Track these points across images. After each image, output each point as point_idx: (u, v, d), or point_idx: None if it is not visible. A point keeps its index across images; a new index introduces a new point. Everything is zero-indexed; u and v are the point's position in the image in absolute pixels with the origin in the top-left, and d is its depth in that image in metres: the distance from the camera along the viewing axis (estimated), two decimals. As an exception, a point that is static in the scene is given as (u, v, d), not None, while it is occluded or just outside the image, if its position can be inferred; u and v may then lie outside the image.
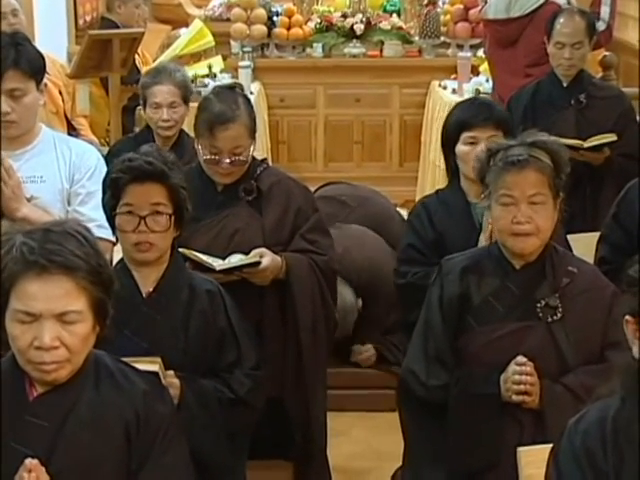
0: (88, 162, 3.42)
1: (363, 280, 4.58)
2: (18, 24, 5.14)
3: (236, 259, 3.34)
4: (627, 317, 2.12)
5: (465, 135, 3.53)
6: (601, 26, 5.63)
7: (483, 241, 3.31)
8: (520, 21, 5.62)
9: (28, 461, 2.14)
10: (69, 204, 3.38)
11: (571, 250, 3.56)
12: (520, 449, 2.60)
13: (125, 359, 2.45)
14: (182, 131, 4.35)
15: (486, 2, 7.09)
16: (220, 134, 3.38)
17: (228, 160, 3.39)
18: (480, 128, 3.52)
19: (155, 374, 2.59)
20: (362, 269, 4.60)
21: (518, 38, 5.63)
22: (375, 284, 4.58)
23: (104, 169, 3.34)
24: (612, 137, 4.48)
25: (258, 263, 3.33)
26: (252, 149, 3.47)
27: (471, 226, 3.46)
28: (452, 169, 3.61)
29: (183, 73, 4.51)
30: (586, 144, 4.43)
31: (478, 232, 3.40)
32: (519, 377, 2.82)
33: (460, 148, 3.52)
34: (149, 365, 2.62)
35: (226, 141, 3.38)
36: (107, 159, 3.62)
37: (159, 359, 2.70)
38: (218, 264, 3.29)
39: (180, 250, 3.16)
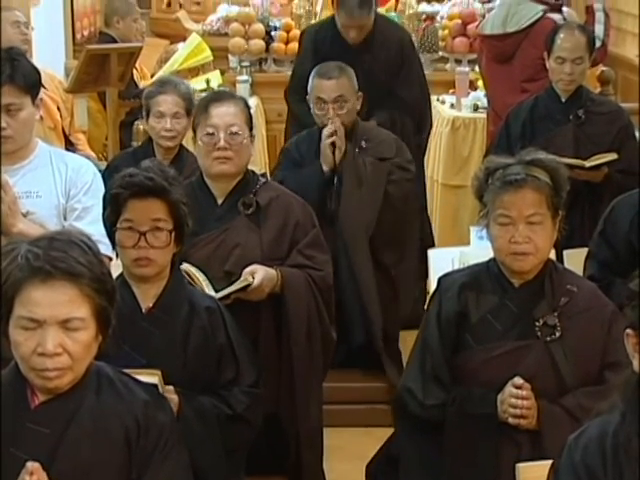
0: (84, 177, 3.42)
1: None
2: (29, 36, 5.28)
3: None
4: (628, 330, 2.12)
5: None
6: (596, 44, 5.66)
7: None
8: (516, 36, 5.64)
9: (30, 464, 2.15)
10: (65, 219, 3.39)
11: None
12: (519, 465, 2.61)
13: (125, 371, 2.46)
14: (182, 146, 4.37)
15: (484, 17, 7.16)
16: (215, 110, 3.44)
17: (223, 135, 3.40)
18: None
19: (154, 386, 2.61)
20: None
21: (514, 53, 5.65)
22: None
23: (100, 184, 3.36)
24: (613, 156, 4.50)
25: (249, 285, 3.35)
26: (249, 146, 3.49)
27: None
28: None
29: (187, 86, 4.56)
30: (587, 164, 4.44)
31: None
32: (515, 401, 2.83)
33: None
34: (149, 377, 2.63)
35: (221, 117, 3.43)
36: (106, 174, 3.64)
37: (158, 372, 2.70)
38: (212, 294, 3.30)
39: (182, 267, 3.19)
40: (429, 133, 5.74)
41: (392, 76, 5.36)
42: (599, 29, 5.72)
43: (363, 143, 4.63)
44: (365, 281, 4.52)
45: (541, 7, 5.67)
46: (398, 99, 5.36)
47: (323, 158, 4.52)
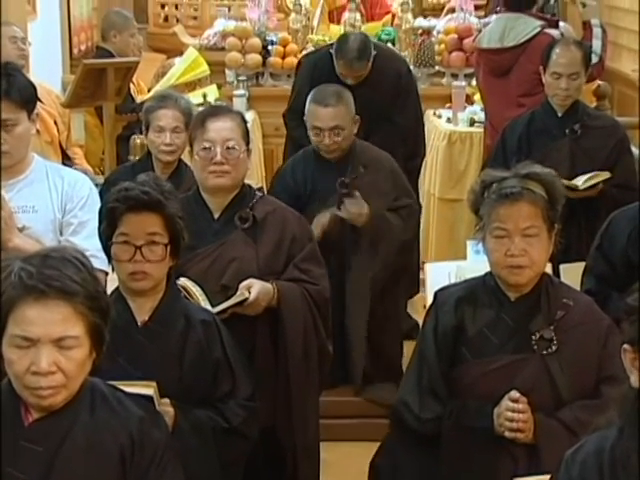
0: (80, 192, 3.42)
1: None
2: (26, 51, 5.30)
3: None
4: (625, 346, 2.11)
5: None
6: (594, 59, 5.66)
7: None
8: (514, 51, 5.66)
9: None
10: (61, 234, 3.38)
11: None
12: (516, 479, 2.61)
13: (121, 382, 2.47)
14: (181, 161, 4.37)
15: (480, 32, 7.16)
16: (212, 125, 3.44)
17: (220, 149, 3.40)
18: None
19: (150, 398, 2.61)
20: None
21: (511, 68, 5.66)
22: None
23: (97, 198, 3.36)
24: (605, 175, 4.51)
25: (245, 299, 3.34)
26: (246, 160, 3.48)
27: None
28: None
29: (187, 100, 4.57)
30: (582, 185, 4.45)
31: None
32: (511, 414, 2.82)
33: None
34: (144, 389, 2.64)
35: (218, 132, 3.43)
36: (104, 188, 3.63)
37: (154, 383, 2.70)
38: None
39: (179, 282, 3.19)
40: (422, 159, 5.78)
41: (389, 105, 5.44)
42: (596, 45, 5.71)
43: (361, 168, 4.63)
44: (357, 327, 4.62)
45: (538, 22, 5.69)
46: (393, 125, 5.44)
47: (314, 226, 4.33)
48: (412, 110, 5.60)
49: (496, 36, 5.68)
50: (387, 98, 5.42)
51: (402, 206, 4.71)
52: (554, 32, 5.63)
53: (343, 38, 5.44)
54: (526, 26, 5.64)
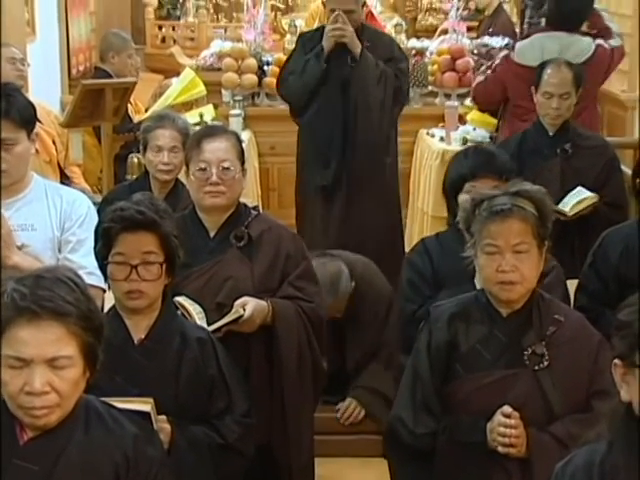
0: (79, 210, 3.43)
1: (357, 272, 4.63)
2: (25, 72, 5.33)
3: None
4: (615, 361, 2.11)
5: (468, 185, 3.56)
6: (617, 41, 5.65)
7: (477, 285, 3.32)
8: None
9: None
10: (60, 252, 3.38)
11: (569, 296, 3.59)
12: (509, 493, 2.61)
13: (118, 399, 2.47)
14: (177, 180, 4.38)
15: (472, 53, 7.16)
16: (207, 145, 3.44)
17: (215, 170, 3.40)
18: (482, 179, 3.54)
19: (147, 415, 2.61)
20: (357, 263, 4.69)
21: None
22: (363, 295, 4.60)
23: (95, 217, 3.35)
24: (593, 200, 4.50)
25: (240, 317, 3.34)
26: (241, 180, 3.49)
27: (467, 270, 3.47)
28: (453, 214, 3.63)
29: (185, 120, 4.58)
30: (570, 212, 4.45)
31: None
32: (504, 430, 2.82)
33: (463, 197, 3.52)
34: (142, 405, 2.63)
35: (213, 152, 3.43)
36: (102, 206, 3.64)
37: (151, 400, 2.70)
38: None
39: (176, 300, 3.20)
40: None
41: (386, 62, 5.58)
42: (615, 27, 5.70)
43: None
44: None
45: (590, 38, 5.60)
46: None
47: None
48: (405, 63, 5.82)
49: (553, 55, 5.47)
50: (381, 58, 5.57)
51: None
52: (609, 43, 5.60)
53: None
54: (582, 44, 5.53)
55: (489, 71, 5.82)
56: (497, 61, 5.76)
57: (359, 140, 5.52)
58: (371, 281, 4.69)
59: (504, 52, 5.78)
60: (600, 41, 5.65)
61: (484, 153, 3.74)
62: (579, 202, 4.50)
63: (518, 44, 5.64)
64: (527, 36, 5.74)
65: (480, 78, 5.93)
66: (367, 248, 5.18)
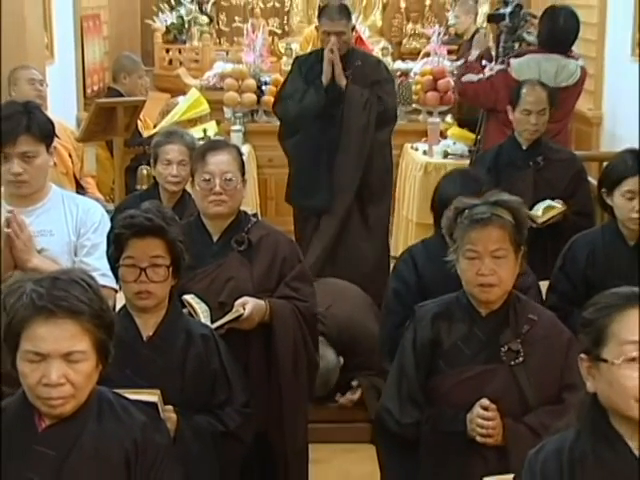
0: (93, 217, 3.42)
1: (344, 336, 4.57)
2: (43, 92, 5.29)
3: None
4: (581, 355, 2.11)
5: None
6: (583, 61, 5.69)
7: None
8: (568, 90, 5.54)
9: None
10: (76, 255, 3.37)
11: (542, 295, 3.57)
12: (486, 479, 2.59)
13: (128, 390, 2.47)
14: (185, 190, 4.36)
15: (452, 74, 7.14)
16: (211, 158, 3.42)
17: (218, 181, 3.39)
18: None
19: (154, 405, 2.60)
20: (343, 327, 4.59)
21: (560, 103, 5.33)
22: (356, 339, 4.58)
23: (107, 223, 3.35)
24: (561, 209, 4.50)
25: (240, 315, 3.32)
26: (242, 190, 3.47)
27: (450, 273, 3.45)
28: (439, 225, 3.60)
29: (192, 136, 4.56)
30: (540, 220, 4.44)
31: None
32: (482, 421, 2.81)
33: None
34: (149, 396, 2.62)
35: (217, 165, 3.41)
36: (115, 214, 3.63)
37: (158, 391, 2.68)
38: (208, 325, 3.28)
39: (184, 298, 3.21)
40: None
41: (372, 85, 5.50)
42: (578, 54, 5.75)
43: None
44: None
45: (574, 60, 5.63)
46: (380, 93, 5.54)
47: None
48: (392, 88, 5.79)
49: (549, 76, 5.43)
50: (370, 78, 5.49)
51: None
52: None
53: (325, 5, 5.64)
54: (572, 66, 5.55)
55: (482, 76, 5.74)
56: (492, 73, 5.71)
57: (343, 164, 5.44)
58: (360, 338, 4.61)
59: (499, 67, 5.72)
60: (581, 63, 5.66)
61: (468, 180, 3.69)
62: (548, 210, 4.49)
63: (514, 61, 5.59)
64: (519, 55, 5.70)
65: (472, 77, 5.77)
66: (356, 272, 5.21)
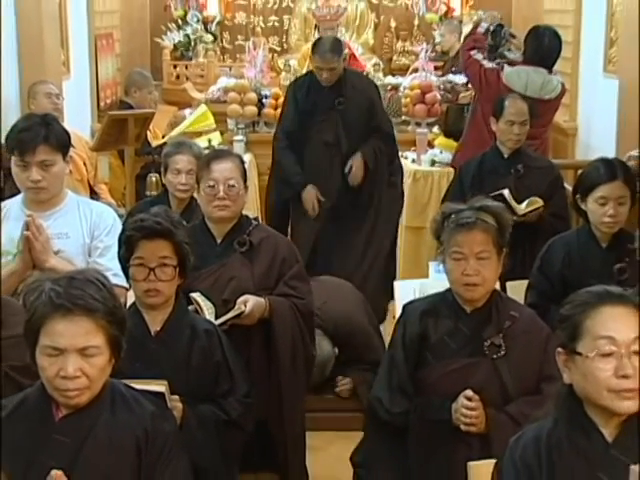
0: (106, 221, 3.43)
1: (340, 330, 4.54)
2: (60, 105, 5.30)
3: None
4: (558, 349, 2.12)
5: None
6: (560, 79, 5.68)
7: None
8: (552, 102, 5.55)
9: (53, 472, 2.13)
10: (90, 256, 3.38)
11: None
12: (470, 464, 2.59)
13: (137, 381, 2.48)
14: (193, 198, 4.35)
15: (439, 88, 7.14)
16: (216, 166, 3.42)
17: (222, 187, 3.38)
18: None
19: (161, 395, 2.60)
20: (339, 321, 4.55)
21: (541, 115, 5.34)
22: (351, 333, 4.55)
23: (119, 226, 3.35)
24: (539, 203, 4.50)
25: (242, 312, 3.32)
26: (244, 195, 3.46)
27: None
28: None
29: (199, 147, 4.55)
30: (520, 211, 4.43)
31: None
32: (466, 411, 2.81)
33: None
34: (157, 386, 2.63)
35: (221, 172, 3.40)
36: (127, 218, 3.62)
37: (166, 382, 2.69)
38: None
39: (191, 295, 3.21)
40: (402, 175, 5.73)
41: (365, 111, 5.35)
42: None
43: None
44: None
45: (556, 76, 5.63)
46: (375, 128, 5.39)
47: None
48: (385, 114, 5.65)
49: (535, 87, 5.44)
50: (362, 105, 5.33)
51: None
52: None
53: (318, 39, 5.47)
54: (555, 81, 5.55)
55: (485, 62, 5.69)
56: (493, 65, 5.66)
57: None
58: (355, 332, 4.56)
59: (493, 65, 5.69)
60: (561, 79, 5.66)
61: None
62: (530, 203, 4.49)
63: (507, 69, 5.58)
64: (510, 64, 5.69)
65: (479, 57, 5.71)
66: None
